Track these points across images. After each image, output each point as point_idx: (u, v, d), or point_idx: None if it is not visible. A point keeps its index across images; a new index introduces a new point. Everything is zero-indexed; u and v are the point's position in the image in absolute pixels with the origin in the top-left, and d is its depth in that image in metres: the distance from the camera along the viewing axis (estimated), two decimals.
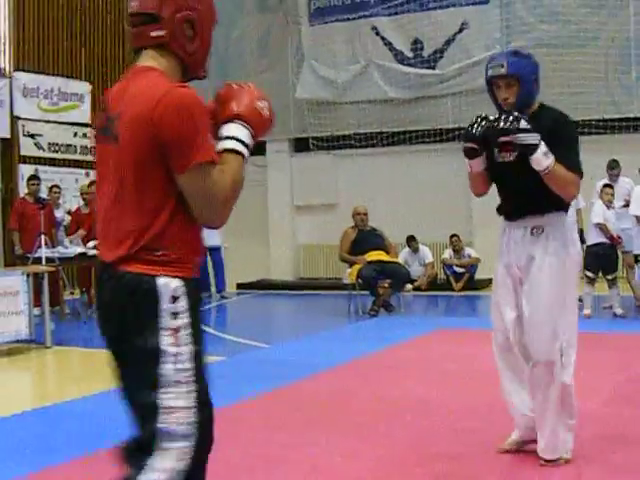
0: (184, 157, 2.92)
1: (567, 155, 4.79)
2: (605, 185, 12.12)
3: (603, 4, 16.88)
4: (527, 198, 4.93)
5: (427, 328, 10.99)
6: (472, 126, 4.91)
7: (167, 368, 2.93)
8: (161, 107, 2.91)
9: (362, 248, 13.25)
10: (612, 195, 12.05)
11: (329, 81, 19.17)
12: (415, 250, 16.72)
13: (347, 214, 14.88)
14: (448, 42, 18.18)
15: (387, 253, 13.39)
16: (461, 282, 16.51)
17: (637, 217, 11.53)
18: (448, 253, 16.89)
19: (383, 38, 18.78)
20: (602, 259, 11.81)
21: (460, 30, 18.07)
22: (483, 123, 4.88)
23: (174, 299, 2.98)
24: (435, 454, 5.31)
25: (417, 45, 18.51)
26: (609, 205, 11.92)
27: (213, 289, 16.44)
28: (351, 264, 13.28)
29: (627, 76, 16.81)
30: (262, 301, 16.96)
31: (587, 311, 11.81)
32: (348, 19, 19.05)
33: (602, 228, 11.79)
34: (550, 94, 16.84)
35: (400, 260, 14.86)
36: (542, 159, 4.68)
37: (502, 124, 4.72)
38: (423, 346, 9.81)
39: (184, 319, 3.00)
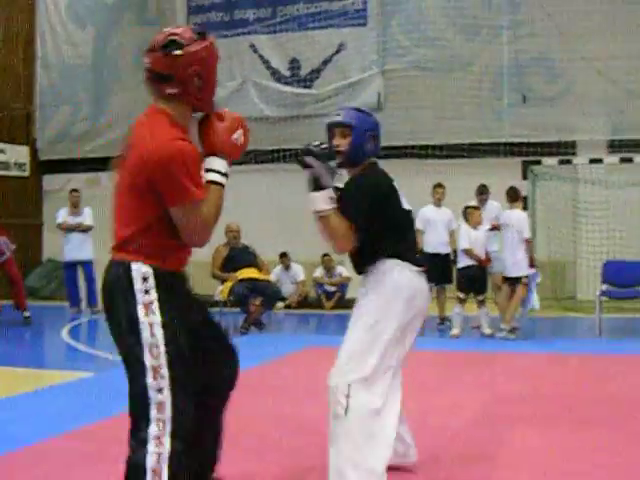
0: (172, 198, 3.73)
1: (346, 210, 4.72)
2: (470, 207, 12.27)
3: (477, 32, 17.30)
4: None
5: (297, 346, 11.01)
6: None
7: (144, 336, 3.76)
8: (156, 158, 3.68)
9: (234, 265, 13.18)
10: (479, 216, 12.26)
11: None
12: (287, 267, 16.76)
13: (219, 231, 14.78)
14: (325, 62, 18.34)
15: (259, 271, 13.35)
16: (332, 301, 16.60)
17: (527, 240, 11.74)
18: (319, 272, 16.95)
19: (261, 56, 18.86)
20: (473, 281, 12.01)
21: (337, 51, 18.26)
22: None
23: (144, 280, 3.80)
24: (307, 469, 5.29)
25: (294, 64, 18.62)
26: (475, 227, 12.10)
27: (84, 304, 16.15)
28: (223, 281, 13.20)
29: (499, 102, 17.20)
30: None
31: (456, 331, 12.00)
32: (226, 36, 19.01)
33: (469, 253, 12.00)
34: (423, 117, 17.26)
35: (272, 278, 14.85)
36: (318, 202, 4.70)
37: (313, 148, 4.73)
38: (293, 364, 9.82)
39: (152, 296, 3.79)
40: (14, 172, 20.23)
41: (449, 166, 16.86)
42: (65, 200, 16.41)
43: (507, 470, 5.34)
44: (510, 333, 11.75)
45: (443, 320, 13.15)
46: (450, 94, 17.15)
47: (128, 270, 3.80)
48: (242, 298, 12.92)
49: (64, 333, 13.18)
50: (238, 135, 4.06)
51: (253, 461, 5.58)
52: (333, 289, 16.87)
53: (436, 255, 12.79)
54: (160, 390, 3.72)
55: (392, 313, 4.74)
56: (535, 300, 12.19)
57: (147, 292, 3.77)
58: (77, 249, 15.72)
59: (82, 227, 15.75)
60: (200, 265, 18.61)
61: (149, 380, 3.73)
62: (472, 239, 12.08)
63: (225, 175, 3.98)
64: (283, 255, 16.85)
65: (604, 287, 12.80)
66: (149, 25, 19.76)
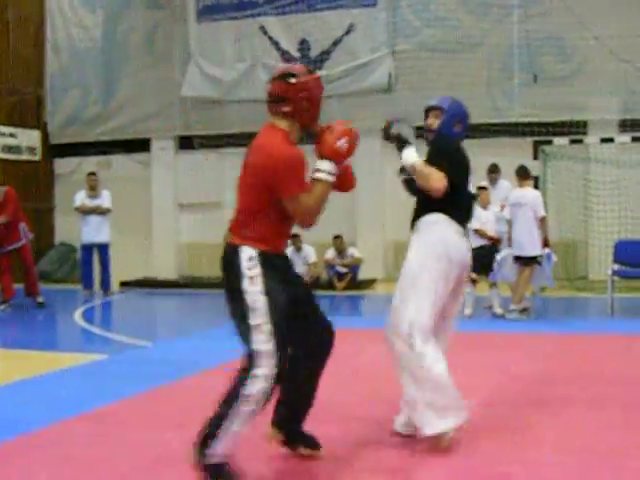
0: (286, 191, 4.81)
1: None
2: (480, 187, 12.27)
3: (488, 12, 17.22)
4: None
5: None
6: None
7: (249, 301, 4.84)
8: (274, 160, 4.79)
9: None
10: (488, 195, 12.27)
11: (215, 79, 19.11)
12: (298, 249, 16.77)
13: (232, 213, 14.81)
14: (335, 43, 18.30)
15: None
16: (344, 282, 16.63)
17: (542, 218, 11.74)
18: (331, 253, 16.97)
19: (270, 38, 18.81)
20: (484, 261, 12.01)
21: (347, 32, 18.22)
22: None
23: (249, 259, 4.88)
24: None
25: (304, 45, 18.58)
26: (485, 207, 12.12)
27: (97, 287, 16.22)
28: None
29: (509, 82, 17.15)
30: (146, 299, 16.83)
31: (468, 311, 12.01)
32: (236, 18, 19.03)
33: (480, 233, 12.01)
34: (434, 97, 17.19)
35: None
36: (408, 154, 5.65)
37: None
38: None
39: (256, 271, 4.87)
40: (25, 156, 20.26)
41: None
42: (76, 183, 16.49)
43: (523, 448, 5.35)
44: (521, 314, 11.77)
45: None
46: (460, 74, 17.08)
47: (237, 252, 4.90)
48: None
49: (77, 316, 13.23)
50: (342, 143, 4.96)
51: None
52: (345, 270, 16.89)
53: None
54: (261, 342, 4.75)
55: (433, 263, 5.49)
56: (550, 279, 12.20)
57: (251, 269, 4.85)
58: (94, 232, 15.81)
59: (100, 210, 15.85)
60: (213, 247, 18.83)
61: (254, 336, 4.77)
62: (483, 219, 12.11)
63: (330, 174, 4.97)
64: (295, 236, 16.82)
65: (616, 267, 12.80)
66: (158, 9, 19.79)
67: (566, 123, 16.55)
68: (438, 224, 5.60)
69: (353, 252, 17.00)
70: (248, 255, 4.89)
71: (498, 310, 12.09)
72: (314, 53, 18.51)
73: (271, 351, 4.74)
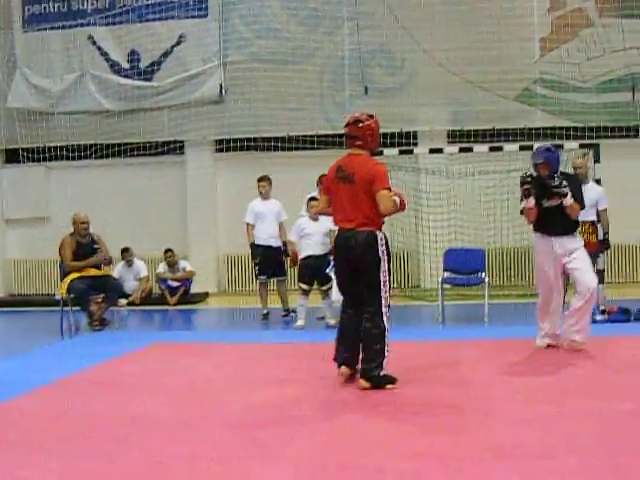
0: (379, 186, 7.43)
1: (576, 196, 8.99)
2: (311, 198, 12.24)
3: (319, 23, 17.37)
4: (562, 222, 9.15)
5: (142, 343, 10.78)
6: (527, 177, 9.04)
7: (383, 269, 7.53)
8: (374, 170, 7.53)
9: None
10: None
11: (42, 90, 18.62)
12: (129, 263, 16.46)
13: (60, 227, 14.47)
14: (165, 54, 18.10)
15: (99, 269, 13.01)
16: (176, 296, 16.38)
17: None
18: (162, 267, 16.71)
19: (100, 48, 18.46)
20: (316, 270, 12.00)
21: (178, 42, 18.05)
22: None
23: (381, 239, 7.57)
24: (154, 463, 5.15)
25: (134, 56, 18.31)
26: (315, 218, 12.10)
27: None
28: (63, 276, 12.84)
29: (340, 93, 17.28)
30: None
31: (300, 322, 11.97)
32: (64, 27, 18.61)
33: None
34: (266, 109, 17.22)
35: (114, 274, 14.51)
36: (569, 200, 8.85)
37: (555, 183, 8.88)
38: (138, 361, 9.61)
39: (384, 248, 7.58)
40: None
41: (292, 158, 16.93)
42: None
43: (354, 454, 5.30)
44: None
45: (287, 312, 13.14)
46: (292, 85, 17.19)
47: (375, 236, 7.55)
48: (81, 295, 12.57)
49: None
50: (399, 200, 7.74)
51: (97, 460, 5.38)
52: (177, 284, 16.64)
53: (268, 247, 12.90)
54: (385, 291, 7.54)
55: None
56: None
57: (382, 245, 7.53)
58: None
59: None
60: (42, 263, 18.34)
61: (382, 287, 7.51)
62: (311, 229, 12.13)
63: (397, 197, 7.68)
64: (125, 250, 16.54)
65: (446, 275, 12.97)
66: None
67: (397, 134, 16.77)
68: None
69: (185, 266, 16.79)
70: (380, 237, 7.53)
71: (331, 321, 12.07)
72: (144, 64, 18.24)
73: (389, 299, 7.63)
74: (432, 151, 14.60)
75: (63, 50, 18.71)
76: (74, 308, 12.81)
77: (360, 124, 7.68)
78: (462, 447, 5.46)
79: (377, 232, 7.53)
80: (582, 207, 9.03)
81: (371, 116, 7.82)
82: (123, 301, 15.21)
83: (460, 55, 16.78)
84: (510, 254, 16.94)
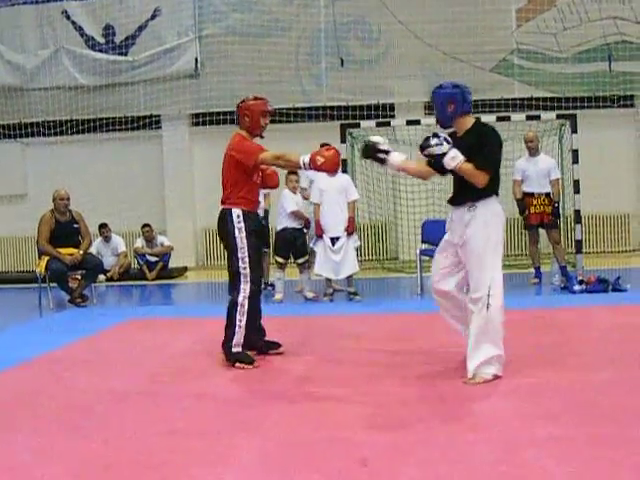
0: (246, 162, 7.48)
1: (478, 157, 6.55)
2: (289, 172, 12.22)
3: None
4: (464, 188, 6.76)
5: (121, 318, 10.77)
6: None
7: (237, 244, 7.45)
8: (233, 144, 7.61)
9: (58, 243, 12.72)
10: (297, 181, 12.28)
11: (17, 66, 18.50)
12: (107, 239, 16.43)
13: (38, 205, 14.44)
14: (140, 28, 18.01)
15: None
16: (154, 271, 16.36)
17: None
18: (140, 242, 16.68)
19: (74, 23, 18.34)
20: (292, 244, 12.00)
21: (153, 16, 17.97)
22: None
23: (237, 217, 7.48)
24: (131, 439, 5.14)
25: (109, 31, 18.21)
26: (294, 191, 12.12)
27: None
28: (41, 255, 12.79)
29: (317, 66, 17.24)
30: None
31: (279, 296, 11.97)
32: (37, 2, 18.46)
33: (297, 214, 12.00)
34: (242, 82, 17.13)
35: (92, 250, 14.45)
36: (449, 162, 6.50)
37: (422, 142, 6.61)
38: (117, 336, 9.59)
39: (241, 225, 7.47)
40: None
41: (269, 131, 16.79)
42: None
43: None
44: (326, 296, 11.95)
45: (266, 285, 13.14)
46: (269, 59, 17.17)
47: (230, 213, 7.50)
48: (59, 274, 12.53)
49: None
50: (321, 160, 7.05)
51: (78, 439, 5.36)
52: (155, 259, 16.61)
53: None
54: (244, 267, 7.41)
55: (499, 234, 6.65)
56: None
57: (239, 222, 7.45)
58: None
59: None
60: (19, 240, 18.26)
61: (240, 263, 7.41)
62: (297, 202, 12.12)
63: (300, 166, 7.26)
64: (103, 226, 16.49)
65: (423, 246, 12.99)
66: None
67: (374, 106, 16.75)
68: (495, 204, 6.76)
69: (163, 240, 16.76)
70: (236, 214, 7.51)
71: (309, 294, 12.10)
72: (119, 38, 18.15)
73: (249, 272, 7.42)
74: (409, 123, 14.55)
75: (37, 25, 18.57)
76: (52, 285, 12.78)
77: (240, 104, 7.73)
78: (440, 418, 5.49)
79: (232, 208, 7.47)
80: (487, 172, 6.55)
81: (258, 98, 7.79)
82: (101, 277, 15.18)
83: (436, 27, 16.78)
84: None
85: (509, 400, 5.93)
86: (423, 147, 6.55)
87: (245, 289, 7.41)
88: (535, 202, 12.93)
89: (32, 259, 13.48)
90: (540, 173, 12.89)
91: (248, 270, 7.42)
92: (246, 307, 7.40)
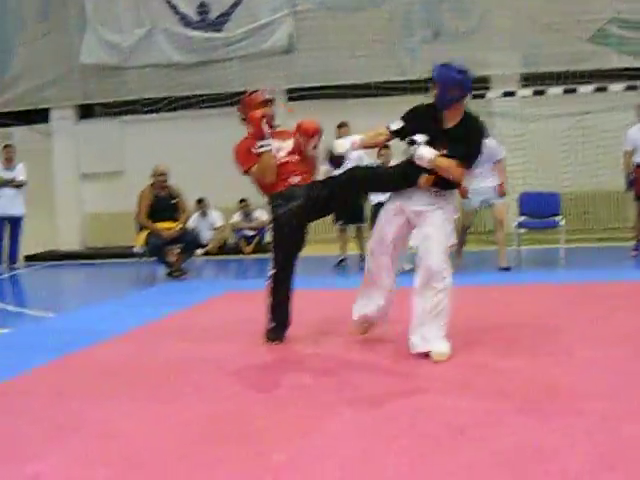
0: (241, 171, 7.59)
1: (460, 155, 6.41)
2: (381, 148, 12.28)
3: None
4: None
5: (218, 291, 10.89)
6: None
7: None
8: (237, 144, 7.61)
9: (157, 218, 12.93)
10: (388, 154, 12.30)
11: (114, 45, 18.73)
12: (204, 214, 16.64)
13: (135, 181, 14.64)
14: (234, 5, 18.09)
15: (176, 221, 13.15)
16: (251, 245, 16.54)
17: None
18: (237, 216, 16.85)
19: (168, 1, 18.50)
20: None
21: None
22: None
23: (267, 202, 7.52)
24: (226, 412, 5.21)
25: (203, 8, 18.31)
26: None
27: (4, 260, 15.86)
28: (140, 229, 13.02)
29: (411, 39, 17.13)
30: (51, 272, 16.49)
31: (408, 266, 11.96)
32: None
33: None
34: (337, 57, 17.13)
35: (190, 225, 14.63)
36: (418, 162, 6.39)
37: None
38: (213, 309, 9.72)
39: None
40: None
41: (364, 105, 16.83)
42: None
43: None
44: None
45: (363, 258, 13.15)
46: (362, 33, 17.07)
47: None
48: (158, 248, 12.74)
49: None
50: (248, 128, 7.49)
51: (171, 404, 5.46)
52: (252, 233, 16.78)
53: None
54: (272, 251, 7.27)
55: (451, 223, 6.68)
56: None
57: (269, 206, 7.45)
58: (9, 204, 15.55)
59: (15, 183, 15.62)
60: (117, 216, 18.53)
61: (271, 249, 7.31)
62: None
63: (261, 146, 7.29)
64: (200, 201, 16.70)
65: (521, 219, 12.89)
66: None
67: None
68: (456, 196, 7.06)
69: (260, 215, 16.87)
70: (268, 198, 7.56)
71: (406, 266, 12.08)
72: (213, 15, 18.24)
73: (275, 254, 7.27)
74: (505, 94, 14.44)
75: (132, 5, 18.78)
76: (151, 259, 12.99)
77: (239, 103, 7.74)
78: (535, 392, 5.45)
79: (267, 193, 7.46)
80: (466, 169, 6.52)
81: (253, 92, 7.70)
82: (199, 251, 15.37)
83: None
84: (586, 198, 16.70)
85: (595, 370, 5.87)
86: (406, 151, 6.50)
87: (270, 272, 7.27)
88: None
89: (131, 235, 13.68)
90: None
91: (273, 254, 7.27)
92: (272, 289, 7.27)
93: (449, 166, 6.36)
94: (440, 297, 6.39)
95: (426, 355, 6.35)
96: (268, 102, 7.60)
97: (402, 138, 6.61)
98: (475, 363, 6.22)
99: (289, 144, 7.43)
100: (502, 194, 12.22)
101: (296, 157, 7.46)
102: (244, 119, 7.60)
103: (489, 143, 12.21)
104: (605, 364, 6.00)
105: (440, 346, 6.37)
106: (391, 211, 6.82)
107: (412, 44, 17.18)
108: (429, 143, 6.40)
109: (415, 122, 6.61)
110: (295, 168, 7.40)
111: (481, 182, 11.96)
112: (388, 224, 6.82)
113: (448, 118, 6.57)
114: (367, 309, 7.15)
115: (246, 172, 7.45)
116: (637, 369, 5.85)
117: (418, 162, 6.37)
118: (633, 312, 7.97)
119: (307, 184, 7.26)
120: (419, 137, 6.40)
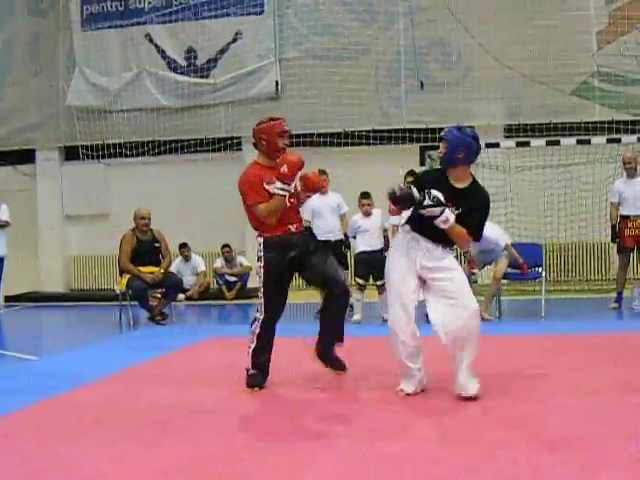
0: (245, 202, 7.44)
1: (472, 223, 6.69)
2: (363, 194, 12.40)
3: (374, 18, 17.40)
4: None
5: (200, 336, 10.90)
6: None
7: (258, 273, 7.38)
8: (239, 184, 7.47)
9: (139, 262, 12.91)
10: (369, 205, 12.36)
11: (101, 88, 18.82)
12: (187, 258, 16.64)
13: (119, 224, 14.65)
14: (222, 51, 18.22)
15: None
16: (233, 291, 16.55)
17: None
18: (220, 262, 16.87)
19: (157, 46, 18.61)
20: (371, 265, 12.03)
21: (234, 40, 18.15)
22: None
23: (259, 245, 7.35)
24: (211, 455, 5.21)
25: (191, 54, 18.44)
26: (367, 213, 12.28)
27: None
28: (122, 272, 13.01)
29: (397, 89, 17.28)
30: (32, 313, 16.45)
31: (357, 316, 12.01)
32: (121, 26, 18.80)
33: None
34: (322, 105, 17.25)
35: (172, 269, 14.64)
36: (440, 224, 6.51)
37: (422, 201, 6.49)
38: (195, 354, 9.71)
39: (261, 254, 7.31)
40: None
41: (349, 154, 16.95)
42: None
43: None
44: None
45: None
46: (348, 81, 17.24)
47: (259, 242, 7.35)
48: (140, 292, 12.72)
49: None
50: (284, 169, 7.16)
51: (159, 450, 5.45)
52: (234, 279, 16.80)
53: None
54: (260, 296, 7.33)
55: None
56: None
57: (260, 251, 7.34)
58: None
59: None
60: (101, 259, 18.52)
61: (260, 293, 7.33)
62: (365, 225, 12.31)
63: (282, 189, 7.21)
64: (183, 246, 16.71)
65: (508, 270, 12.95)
66: (42, 16, 19.39)
67: None
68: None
69: (242, 261, 16.91)
70: (258, 241, 7.43)
71: (387, 315, 12.09)
72: (201, 61, 18.37)
73: (265, 304, 7.33)
74: (489, 145, 14.50)
75: (121, 48, 18.90)
76: (133, 303, 12.97)
77: (255, 128, 7.49)
78: (515, 438, 5.47)
79: (259, 237, 7.39)
80: (474, 238, 6.84)
81: (274, 119, 7.53)
82: (181, 296, 15.37)
83: (516, 49, 16.70)
84: (568, 249, 16.81)
85: (589, 420, 5.90)
86: (424, 206, 6.47)
87: (259, 317, 7.36)
88: (630, 225, 12.69)
89: (112, 277, 13.69)
90: (638, 195, 12.66)
91: (262, 299, 7.32)
92: (259, 334, 7.36)
93: (460, 234, 6.63)
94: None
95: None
96: (286, 133, 7.50)
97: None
98: (449, 408, 6.25)
99: (290, 188, 7.30)
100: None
101: (293, 202, 7.46)
102: (256, 144, 7.51)
103: (496, 231, 12.24)
104: (582, 412, 6.05)
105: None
106: (403, 273, 6.84)
107: (398, 93, 17.32)
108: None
109: (430, 184, 6.66)
110: (293, 214, 7.46)
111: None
112: (406, 291, 6.88)
113: (454, 178, 6.78)
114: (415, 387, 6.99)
115: (250, 205, 7.34)
116: (615, 417, 5.89)
117: (442, 225, 6.51)
118: (612, 363, 8.02)
119: (304, 235, 7.51)
120: (436, 192, 6.50)
